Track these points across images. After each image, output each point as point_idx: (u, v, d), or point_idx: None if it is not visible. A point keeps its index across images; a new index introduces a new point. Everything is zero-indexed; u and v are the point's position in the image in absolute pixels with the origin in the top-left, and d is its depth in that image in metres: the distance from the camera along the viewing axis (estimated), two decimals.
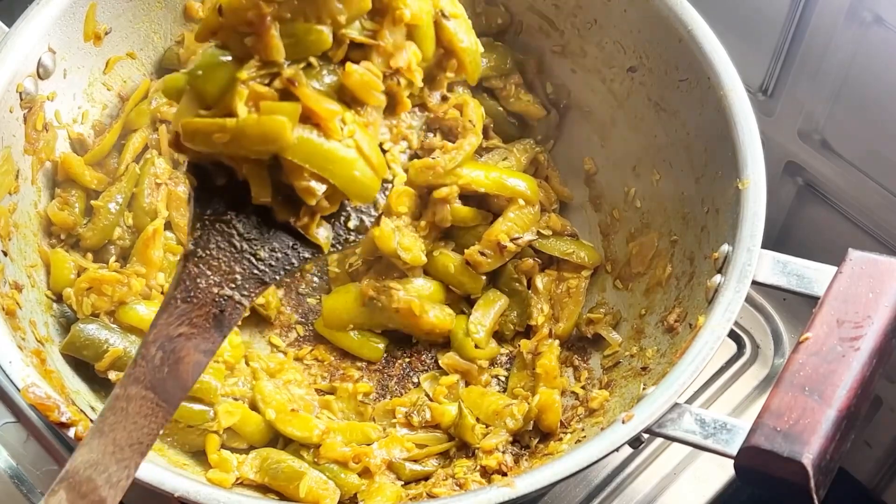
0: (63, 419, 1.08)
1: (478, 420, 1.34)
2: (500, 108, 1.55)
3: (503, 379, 1.44)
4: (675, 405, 1.11)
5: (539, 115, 1.56)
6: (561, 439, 1.31)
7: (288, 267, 0.96)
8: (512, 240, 1.44)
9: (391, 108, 0.97)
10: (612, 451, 1.10)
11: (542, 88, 1.57)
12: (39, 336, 1.23)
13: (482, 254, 1.44)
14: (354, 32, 0.92)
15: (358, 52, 0.92)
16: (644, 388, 1.22)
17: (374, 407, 1.38)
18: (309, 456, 1.28)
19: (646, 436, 1.11)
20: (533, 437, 1.34)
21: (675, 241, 1.37)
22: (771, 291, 1.26)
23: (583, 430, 1.29)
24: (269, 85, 0.89)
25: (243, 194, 0.93)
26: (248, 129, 0.88)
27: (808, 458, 1.02)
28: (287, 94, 0.89)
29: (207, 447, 1.27)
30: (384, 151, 0.97)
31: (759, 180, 1.23)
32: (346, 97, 0.92)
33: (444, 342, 1.45)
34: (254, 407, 1.32)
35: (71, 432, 1.08)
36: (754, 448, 1.04)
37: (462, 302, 1.47)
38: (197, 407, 1.28)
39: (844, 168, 1.54)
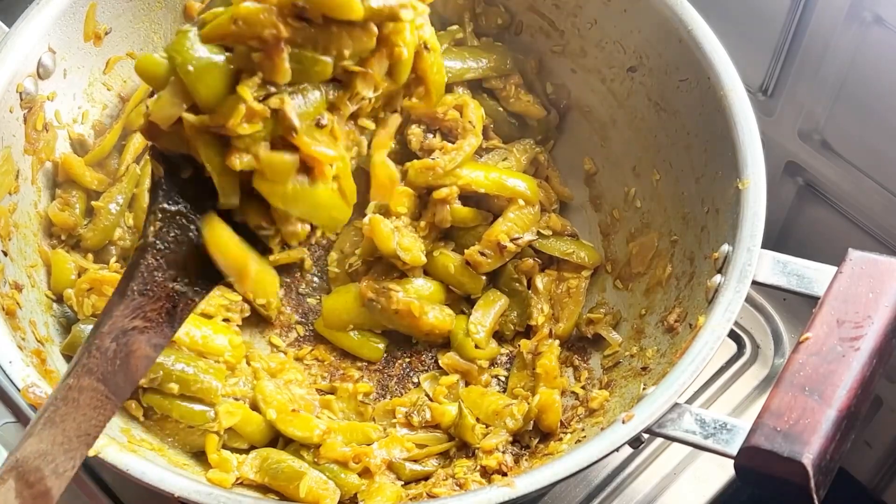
0: None
1: (478, 420, 1.34)
2: (500, 109, 1.55)
3: (503, 379, 1.44)
4: (675, 405, 1.11)
5: (539, 116, 1.56)
6: (561, 439, 1.31)
7: None
8: (512, 240, 1.44)
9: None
10: (612, 451, 1.10)
11: (542, 88, 1.57)
12: (39, 336, 1.23)
13: (482, 254, 1.44)
14: (350, 62, 0.92)
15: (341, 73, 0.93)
16: (644, 388, 1.22)
17: (375, 407, 1.38)
18: (309, 456, 1.28)
19: (646, 436, 1.11)
20: (533, 437, 1.34)
21: (675, 241, 1.37)
22: (771, 291, 1.26)
23: (583, 430, 1.30)
24: (262, 101, 0.88)
25: (206, 190, 0.91)
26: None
27: (808, 458, 1.02)
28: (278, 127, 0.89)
29: (207, 447, 1.27)
30: None
31: (759, 180, 1.23)
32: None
33: (444, 342, 1.45)
34: (255, 407, 1.32)
35: None
36: (754, 448, 1.04)
37: (462, 302, 1.47)
38: (198, 407, 1.28)
39: (844, 168, 1.54)
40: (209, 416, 1.28)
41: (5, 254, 1.25)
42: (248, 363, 1.37)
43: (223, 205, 0.91)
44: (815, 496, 1.02)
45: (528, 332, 1.47)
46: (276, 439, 1.32)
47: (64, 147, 1.40)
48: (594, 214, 1.55)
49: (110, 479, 1.38)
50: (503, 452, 1.31)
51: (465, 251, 1.45)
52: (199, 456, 1.28)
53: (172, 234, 0.92)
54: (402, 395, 1.41)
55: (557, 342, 1.43)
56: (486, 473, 1.28)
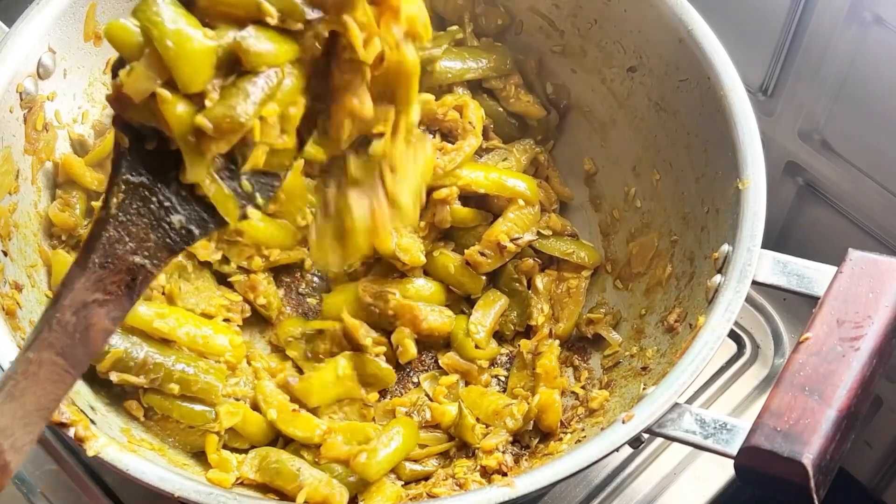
0: (63, 419, 1.08)
1: (478, 420, 1.34)
2: (500, 109, 1.55)
3: (503, 379, 1.44)
4: (675, 405, 1.11)
5: (539, 116, 1.56)
6: (561, 439, 1.31)
7: (194, 239, 0.94)
8: (512, 240, 1.44)
9: None
10: (612, 451, 1.10)
11: (542, 88, 1.57)
12: None
13: (482, 254, 1.44)
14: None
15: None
16: (644, 388, 1.22)
17: (375, 407, 1.38)
18: (309, 455, 1.28)
19: (646, 436, 1.11)
20: (533, 437, 1.34)
21: (675, 241, 1.37)
22: (771, 291, 1.26)
23: (583, 430, 1.30)
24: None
25: (171, 161, 0.91)
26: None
27: (808, 458, 1.02)
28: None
29: (207, 447, 1.27)
30: None
31: (759, 180, 1.23)
32: None
33: (445, 342, 1.45)
34: (255, 407, 1.32)
35: (71, 432, 1.08)
36: (754, 448, 1.04)
37: (462, 302, 1.47)
38: (198, 408, 1.28)
39: (844, 168, 1.54)
40: (210, 416, 1.28)
41: (5, 254, 1.25)
42: (248, 363, 1.37)
43: (189, 180, 0.91)
44: (815, 496, 1.02)
45: (528, 332, 1.47)
46: (277, 439, 1.32)
47: (64, 147, 1.40)
48: (594, 214, 1.55)
49: (110, 480, 1.38)
50: (503, 452, 1.31)
51: (465, 251, 1.45)
52: (199, 456, 1.28)
53: (135, 206, 0.91)
54: (402, 395, 1.41)
55: (557, 342, 1.43)
56: (486, 473, 1.28)
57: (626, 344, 1.40)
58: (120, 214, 0.90)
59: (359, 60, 0.93)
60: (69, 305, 0.88)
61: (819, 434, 1.03)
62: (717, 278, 1.20)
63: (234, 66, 0.89)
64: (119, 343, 1.26)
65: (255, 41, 0.88)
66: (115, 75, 0.89)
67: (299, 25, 0.90)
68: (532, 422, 1.33)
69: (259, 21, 0.89)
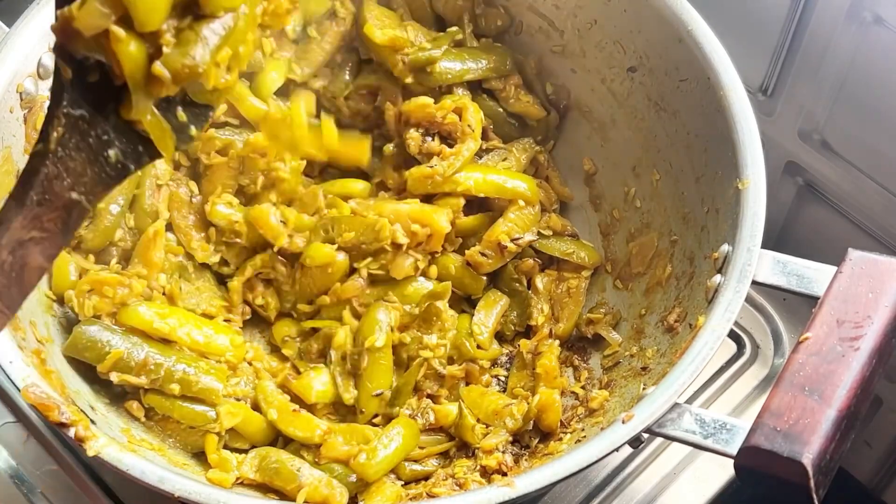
0: (63, 419, 1.08)
1: (478, 420, 1.34)
2: (500, 109, 1.55)
3: (503, 379, 1.44)
4: (675, 405, 1.11)
5: (539, 116, 1.56)
6: (561, 439, 1.31)
7: (129, 172, 0.93)
8: (512, 240, 1.44)
9: None
10: (612, 451, 1.10)
11: (542, 89, 1.56)
12: (39, 336, 1.23)
13: (483, 254, 1.44)
14: None
15: None
16: (644, 388, 1.22)
17: None
18: (309, 455, 1.28)
19: (646, 436, 1.11)
20: (533, 437, 1.34)
21: (675, 241, 1.37)
22: (771, 291, 1.26)
23: (583, 430, 1.30)
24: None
25: (111, 94, 0.89)
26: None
27: (808, 458, 1.02)
28: None
29: (207, 447, 1.27)
30: None
31: (759, 180, 1.23)
32: None
33: None
34: (256, 407, 1.32)
35: (71, 432, 1.08)
36: (754, 448, 1.04)
37: (463, 302, 1.47)
38: (199, 408, 1.28)
39: (844, 168, 1.54)
40: (210, 416, 1.28)
41: None
42: (249, 363, 1.37)
43: (132, 117, 0.89)
44: (815, 496, 1.02)
45: (528, 332, 1.47)
46: (277, 439, 1.32)
47: None
48: (594, 214, 1.55)
49: (110, 480, 1.38)
50: (503, 452, 1.31)
51: (466, 252, 1.45)
52: (199, 456, 1.28)
53: (73, 141, 0.88)
54: None
55: (557, 342, 1.43)
56: (486, 473, 1.28)
57: (625, 344, 1.40)
58: (59, 149, 0.87)
59: None
60: (6, 245, 0.85)
61: (819, 434, 1.03)
62: (717, 278, 1.20)
63: (190, 8, 0.88)
64: (120, 344, 1.26)
65: None
66: (59, 5, 0.86)
67: None
68: (532, 422, 1.33)
69: None
